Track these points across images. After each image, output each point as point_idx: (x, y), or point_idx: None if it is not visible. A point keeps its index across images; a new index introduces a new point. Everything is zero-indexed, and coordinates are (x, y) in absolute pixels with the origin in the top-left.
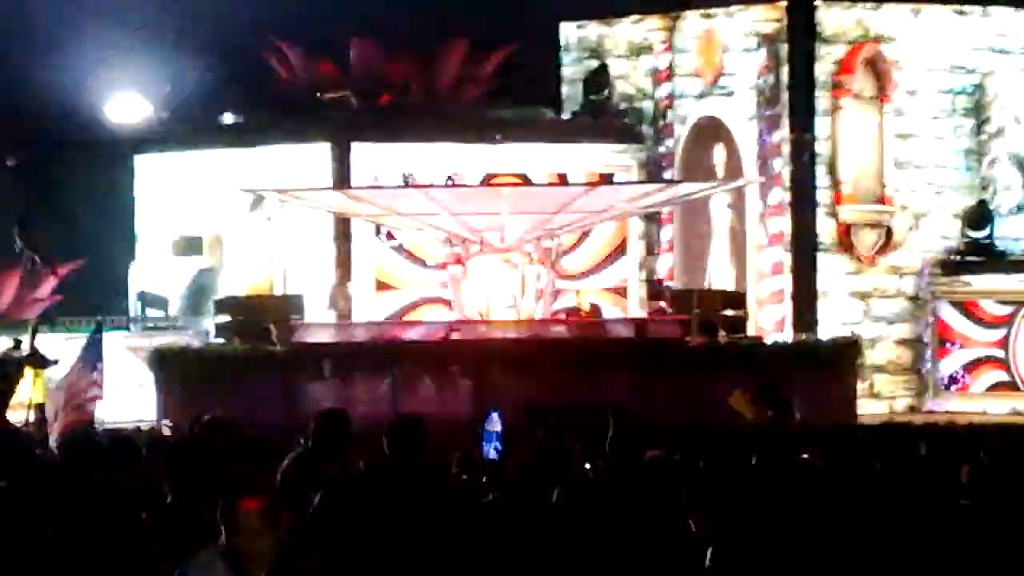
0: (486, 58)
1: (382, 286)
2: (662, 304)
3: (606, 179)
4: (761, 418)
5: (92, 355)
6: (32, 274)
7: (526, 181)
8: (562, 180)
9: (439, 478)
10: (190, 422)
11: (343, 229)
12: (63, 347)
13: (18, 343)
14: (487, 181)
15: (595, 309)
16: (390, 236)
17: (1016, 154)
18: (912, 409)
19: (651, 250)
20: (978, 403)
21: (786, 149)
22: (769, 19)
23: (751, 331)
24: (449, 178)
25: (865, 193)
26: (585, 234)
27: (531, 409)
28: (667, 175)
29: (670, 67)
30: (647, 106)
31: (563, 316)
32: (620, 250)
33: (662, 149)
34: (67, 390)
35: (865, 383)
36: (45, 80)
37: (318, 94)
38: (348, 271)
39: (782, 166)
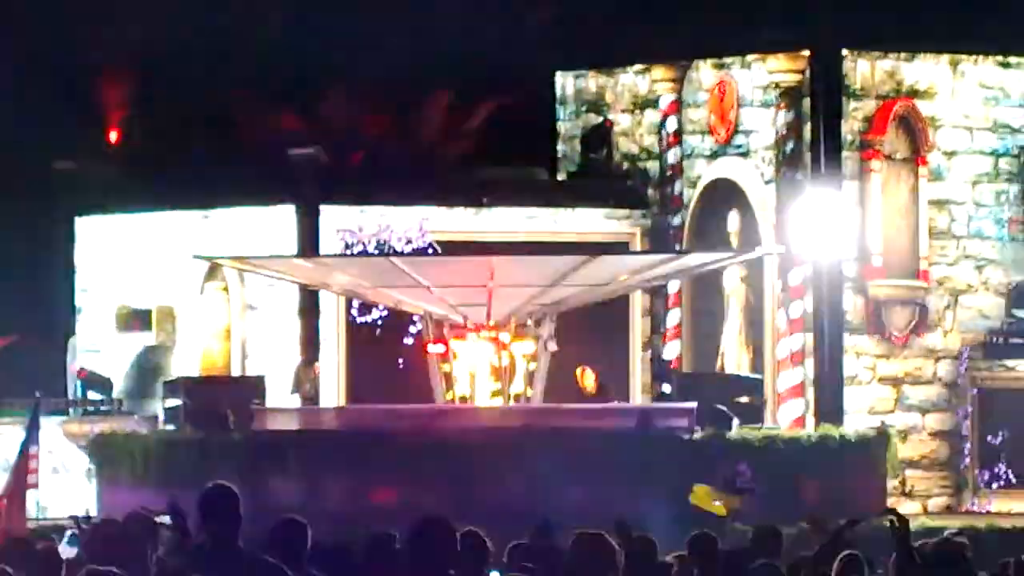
0: (472, 111)
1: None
2: (665, 388)
3: (606, 249)
4: (731, 508)
5: (32, 435)
6: None
7: (516, 250)
8: (557, 249)
9: None
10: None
11: (310, 302)
12: None
13: None
14: (472, 250)
15: (601, 388)
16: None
17: None
18: (949, 509)
19: (656, 327)
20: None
21: (809, 222)
22: (790, 70)
23: (768, 421)
24: (430, 246)
25: (897, 267)
26: None
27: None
28: (675, 245)
29: (679, 127)
30: (652, 166)
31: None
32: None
33: (672, 220)
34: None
35: (896, 480)
36: None
37: (283, 150)
38: (315, 350)
39: (804, 237)
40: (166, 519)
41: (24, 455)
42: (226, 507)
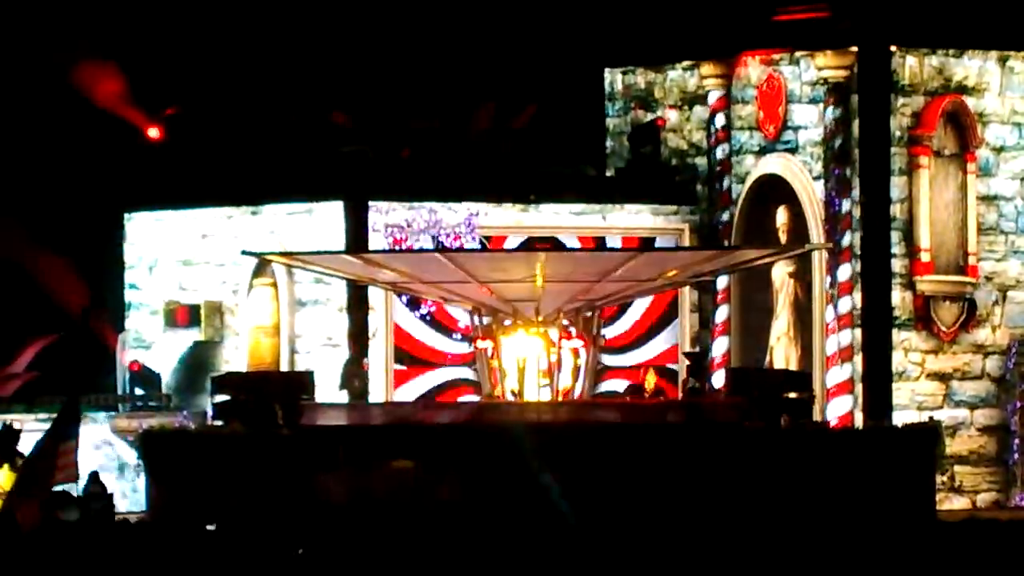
0: (521, 109)
1: (410, 370)
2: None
3: (654, 244)
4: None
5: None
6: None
7: (564, 246)
8: (605, 245)
9: None
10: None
11: (358, 298)
12: (38, 430)
13: None
14: (521, 246)
15: (658, 388)
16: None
17: None
18: (997, 505)
19: (704, 323)
20: None
21: (857, 213)
22: (839, 66)
23: (816, 416)
24: (481, 241)
25: (946, 262)
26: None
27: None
28: (724, 241)
29: (727, 123)
30: (701, 162)
31: (625, 395)
32: (665, 317)
33: (720, 216)
34: (36, 466)
35: (945, 475)
36: None
37: (333, 146)
38: (364, 345)
39: (853, 234)
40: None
41: (43, 450)
42: None
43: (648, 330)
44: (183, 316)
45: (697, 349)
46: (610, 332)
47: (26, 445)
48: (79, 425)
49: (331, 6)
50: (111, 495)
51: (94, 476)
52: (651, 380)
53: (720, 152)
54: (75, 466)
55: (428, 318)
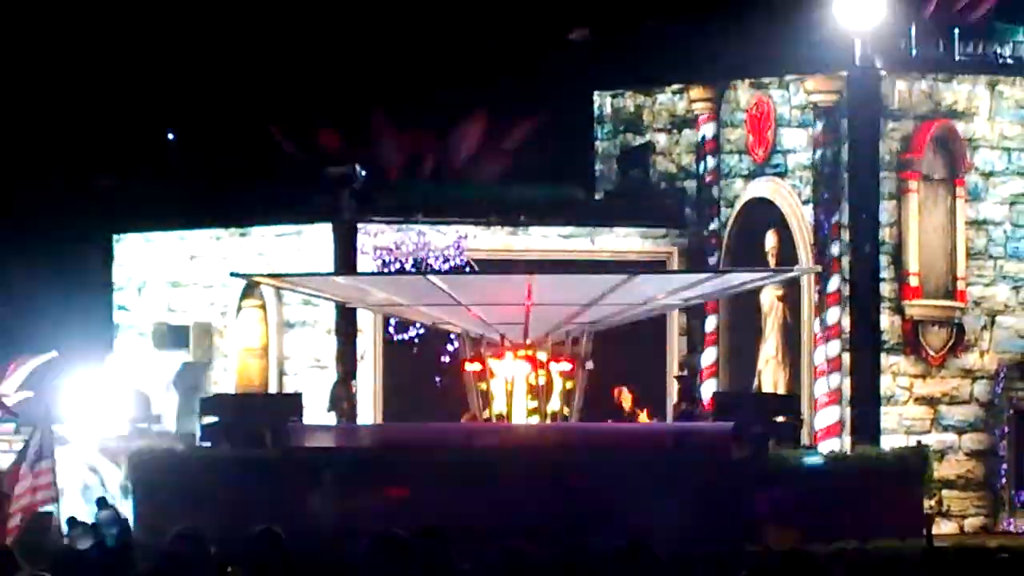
0: (510, 129)
1: None
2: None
3: (644, 268)
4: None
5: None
6: None
7: (553, 269)
8: (594, 269)
9: None
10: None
11: (347, 320)
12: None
13: None
14: (509, 269)
15: (636, 408)
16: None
17: None
18: (985, 529)
19: (693, 347)
20: None
21: (846, 236)
22: (827, 90)
23: (805, 439)
24: (468, 264)
25: (934, 287)
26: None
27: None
28: (712, 262)
29: (716, 139)
30: (690, 186)
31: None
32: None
33: (708, 233)
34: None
35: (932, 499)
36: None
37: (321, 168)
38: (352, 367)
39: (840, 252)
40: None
41: (31, 463)
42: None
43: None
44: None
45: (686, 372)
46: None
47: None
48: (53, 446)
49: (320, 26)
50: (126, 519)
51: (102, 502)
52: (627, 400)
53: (709, 176)
54: (54, 486)
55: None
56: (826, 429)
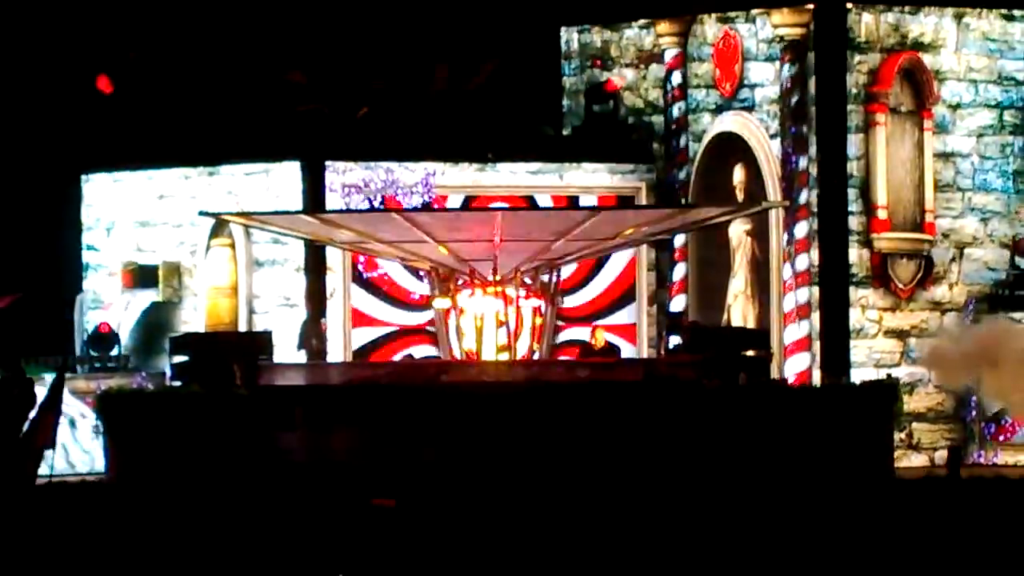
0: (477, 68)
1: (358, 319)
2: (676, 340)
3: (612, 203)
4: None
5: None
6: None
7: (522, 205)
8: (562, 204)
9: None
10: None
11: (316, 258)
12: None
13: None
14: (477, 205)
15: (609, 348)
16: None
17: None
18: None
19: (662, 282)
20: None
21: (814, 171)
22: (795, 24)
23: (775, 374)
24: (434, 201)
25: (902, 220)
26: (591, 270)
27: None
28: (681, 199)
29: (684, 81)
30: (658, 120)
31: (574, 354)
32: (632, 291)
33: (677, 174)
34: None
35: (902, 432)
36: None
37: (289, 106)
38: (322, 305)
39: (809, 191)
40: None
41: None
42: None
43: (610, 304)
44: (128, 279)
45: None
46: (572, 301)
47: None
48: (62, 394)
49: None
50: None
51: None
52: (600, 337)
53: (677, 110)
54: (54, 433)
55: (380, 292)
56: (797, 375)
